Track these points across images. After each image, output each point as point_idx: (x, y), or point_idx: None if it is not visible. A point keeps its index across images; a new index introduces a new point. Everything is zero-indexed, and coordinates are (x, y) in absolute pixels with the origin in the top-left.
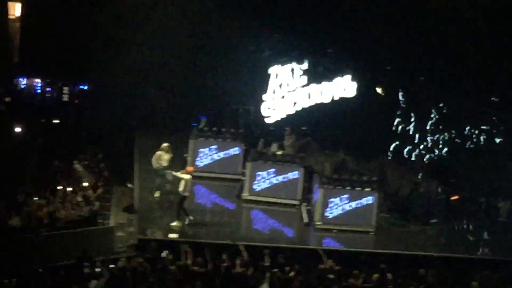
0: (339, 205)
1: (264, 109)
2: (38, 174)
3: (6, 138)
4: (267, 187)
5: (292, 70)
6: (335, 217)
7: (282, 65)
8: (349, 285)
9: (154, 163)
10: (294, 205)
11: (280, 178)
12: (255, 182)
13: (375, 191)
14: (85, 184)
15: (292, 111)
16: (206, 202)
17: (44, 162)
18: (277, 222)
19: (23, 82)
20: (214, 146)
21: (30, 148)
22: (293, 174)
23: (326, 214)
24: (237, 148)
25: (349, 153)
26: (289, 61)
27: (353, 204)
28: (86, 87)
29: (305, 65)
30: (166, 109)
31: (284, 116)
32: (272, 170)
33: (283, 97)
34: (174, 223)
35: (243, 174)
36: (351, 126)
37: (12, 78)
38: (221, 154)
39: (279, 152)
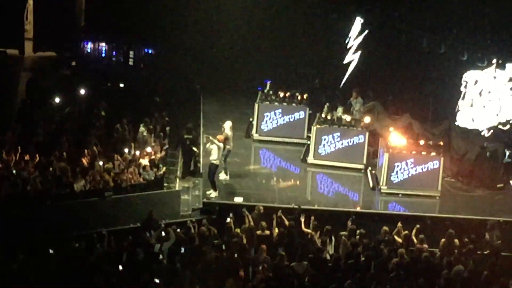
0: (404, 170)
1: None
2: (103, 137)
3: (72, 102)
4: (332, 151)
5: None
6: (400, 182)
7: None
8: (416, 249)
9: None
10: (359, 169)
11: (345, 142)
12: (320, 146)
13: (441, 156)
14: (149, 148)
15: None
16: (271, 166)
17: (109, 126)
18: (342, 186)
19: (89, 46)
20: (279, 110)
21: (96, 112)
22: (358, 139)
23: (392, 178)
24: (302, 112)
25: (415, 117)
26: None
27: (419, 169)
28: (151, 51)
29: None
30: (231, 73)
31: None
32: (337, 134)
33: None
34: (212, 193)
35: (308, 138)
36: (414, 90)
37: (78, 42)
38: (286, 118)
39: (345, 117)
